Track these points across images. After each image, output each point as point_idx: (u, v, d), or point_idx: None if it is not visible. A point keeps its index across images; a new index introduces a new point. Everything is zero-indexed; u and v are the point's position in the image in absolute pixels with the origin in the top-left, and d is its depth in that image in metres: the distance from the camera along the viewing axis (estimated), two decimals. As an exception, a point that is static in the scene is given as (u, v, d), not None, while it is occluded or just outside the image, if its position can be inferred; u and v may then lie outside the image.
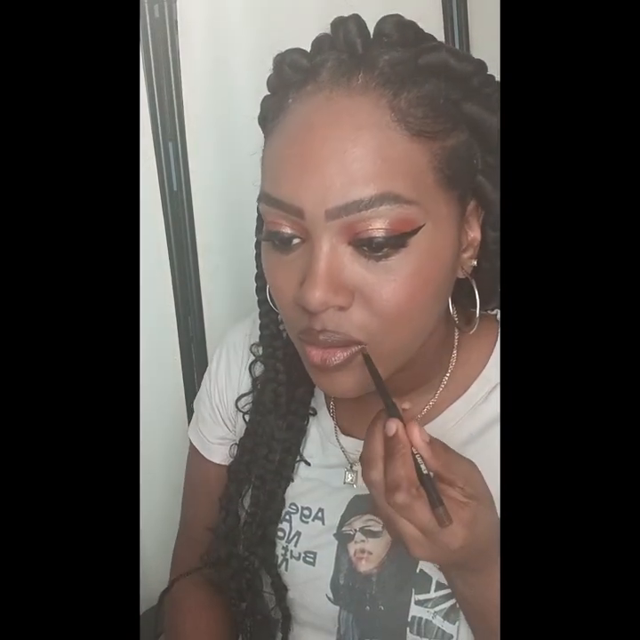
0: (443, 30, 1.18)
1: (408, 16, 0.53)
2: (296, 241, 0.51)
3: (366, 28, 0.51)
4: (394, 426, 0.46)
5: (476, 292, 0.56)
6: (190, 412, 1.10)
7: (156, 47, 1.01)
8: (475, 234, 0.55)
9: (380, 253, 0.48)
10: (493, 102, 0.53)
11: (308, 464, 0.68)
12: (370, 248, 0.48)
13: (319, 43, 0.53)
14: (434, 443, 0.47)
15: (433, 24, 1.16)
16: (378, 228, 0.47)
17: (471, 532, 0.46)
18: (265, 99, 0.57)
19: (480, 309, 0.58)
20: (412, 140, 0.48)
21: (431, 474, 0.45)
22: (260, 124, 0.58)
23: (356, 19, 0.51)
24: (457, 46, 1.18)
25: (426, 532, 0.46)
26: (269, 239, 0.52)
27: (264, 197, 0.52)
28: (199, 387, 0.79)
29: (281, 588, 0.66)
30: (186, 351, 1.11)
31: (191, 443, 0.78)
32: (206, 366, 1.08)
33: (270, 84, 0.56)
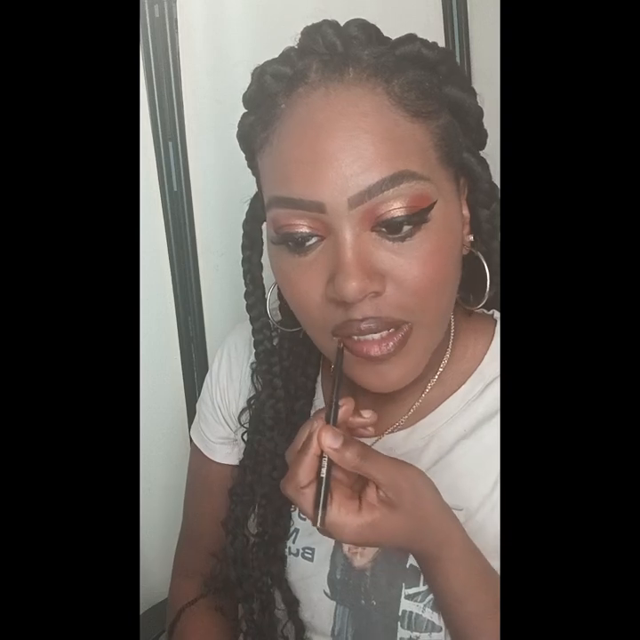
0: (443, 30, 1.17)
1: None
2: (313, 240, 0.51)
3: (341, 28, 0.53)
4: (315, 424, 0.49)
5: (485, 263, 0.58)
6: (190, 412, 1.10)
7: (156, 47, 1.00)
8: (465, 211, 0.58)
9: (401, 234, 0.50)
10: (465, 86, 0.56)
11: None
12: (392, 230, 0.50)
13: (288, 54, 0.54)
14: (347, 449, 0.48)
15: (433, 24, 1.16)
16: (398, 207, 0.49)
17: (360, 535, 0.49)
18: (244, 116, 0.57)
19: (475, 300, 0.60)
20: (413, 120, 0.51)
21: (326, 477, 0.48)
22: (241, 140, 0.58)
23: (330, 22, 0.53)
24: (457, 46, 1.18)
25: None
26: (283, 242, 0.52)
27: (276, 202, 0.52)
28: (199, 387, 0.79)
29: (293, 603, 0.66)
30: (186, 351, 1.11)
31: (193, 443, 0.78)
32: (206, 367, 1.08)
33: (249, 98, 0.56)
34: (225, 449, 0.75)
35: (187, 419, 1.12)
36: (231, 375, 0.74)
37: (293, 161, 0.50)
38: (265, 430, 0.67)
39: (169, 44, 1.01)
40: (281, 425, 0.67)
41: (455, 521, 0.54)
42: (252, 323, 0.66)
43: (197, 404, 0.79)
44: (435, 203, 0.50)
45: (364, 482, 0.51)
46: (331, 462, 0.49)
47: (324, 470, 0.48)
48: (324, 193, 0.49)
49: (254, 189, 0.66)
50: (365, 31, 0.53)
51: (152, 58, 1.01)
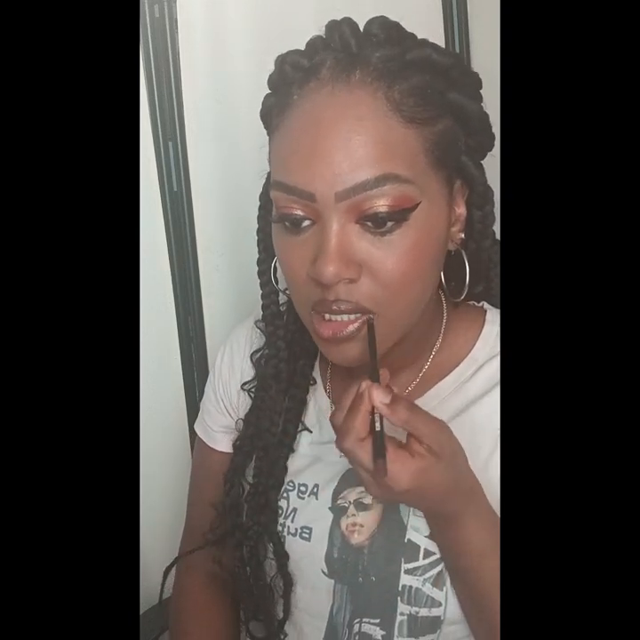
0: (443, 30, 1.17)
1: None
2: (306, 223, 0.56)
3: (358, 28, 0.56)
4: (363, 385, 0.52)
5: (466, 261, 0.63)
6: (190, 412, 1.10)
7: (156, 47, 1.00)
8: (461, 210, 0.62)
9: (383, 229, 0.54)
10: (472, 91, 0.59)
11: (311, 431, 0.72)
12: (375, 224, 0.54)
13: (313, 44, 0.58)
14: (398, 404, 0.51)
15: (433, 24, 1.16)
16: (382, 204, 0.53)
17: (416, 480, 0.50)
18: (267, 96, 0.62)
19: (467, 290, 0.63)
20: (407, 126, 0.54)
21: (381, 429, 0.50)
22: (262, 119, 0.63)
23: (349, 21, 0.56)
24: (457, 46, 1.18)
25: (371, 475, 0.50)
26: (281, 221, 0.58)
27: (276, 185, 0.57)
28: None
29: (283, 556, 0.68)
30: (186, 351, 1.11)
31: (197, 437, 0.82)
32: (206, 366, 1.09)
33: (272, 82, 0.61)
34: (227, 438, 0.78)
35: (187, 419, 1.12)
36: (233, 366, 0.78)
37: (294, 152, 0.55)
38: (266, 387, 0.73)
39: (169, 44, 1.01)
40: (282, 383, 0.72)
41: (475, 477, 0.57)
42: (261, 288, 0.71)
43: (201, 402, 0.83)
44: (418, 204, 0.54)
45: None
46: (382, 417, 0.51)
47: (378, 424, 0.50)
48: (315, 185, 0.54)
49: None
50: (386, 30, 0.56)
51: (152, 58, 1.01)
